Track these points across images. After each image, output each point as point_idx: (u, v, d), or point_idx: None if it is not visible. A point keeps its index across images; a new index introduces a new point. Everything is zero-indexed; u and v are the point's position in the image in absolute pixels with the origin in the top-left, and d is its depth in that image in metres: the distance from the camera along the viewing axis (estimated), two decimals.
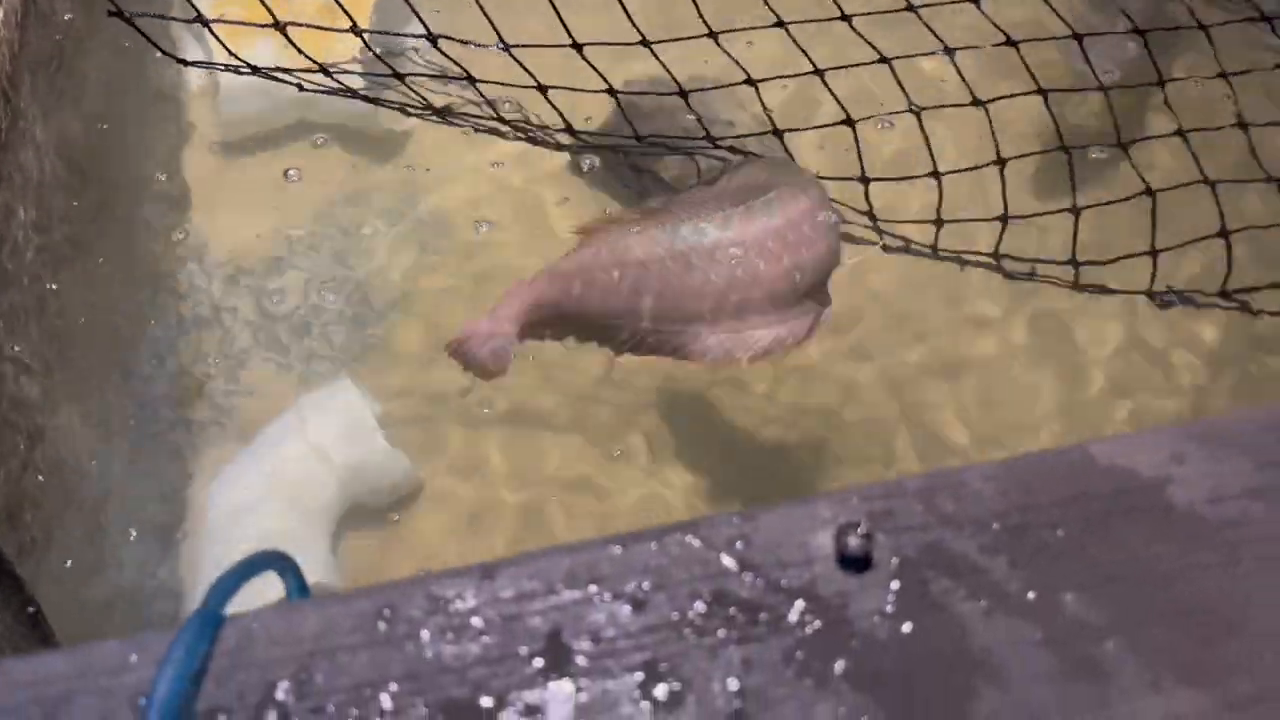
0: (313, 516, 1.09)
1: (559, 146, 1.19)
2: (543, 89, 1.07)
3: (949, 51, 1.10)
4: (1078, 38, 1.07)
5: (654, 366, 1.17)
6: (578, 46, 1.03)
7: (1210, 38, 1.07)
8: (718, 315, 0.87)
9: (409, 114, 1.16)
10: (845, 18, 1.07)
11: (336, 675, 0.41)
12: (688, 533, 0.45)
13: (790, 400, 1.18)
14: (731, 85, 1.09)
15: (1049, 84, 1.08)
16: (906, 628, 0.42)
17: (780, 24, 1.06)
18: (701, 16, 1.06)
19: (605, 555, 0.44)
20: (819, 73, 1.07)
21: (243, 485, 1.09)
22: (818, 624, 0.42)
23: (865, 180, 1.10)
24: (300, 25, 1.02)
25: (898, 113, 1.11)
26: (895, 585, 0.43)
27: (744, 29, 1.08)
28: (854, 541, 0.44)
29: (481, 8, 1.03)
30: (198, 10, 1.04)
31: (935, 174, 1.08)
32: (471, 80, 1.09)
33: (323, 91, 1.11)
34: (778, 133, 1.10)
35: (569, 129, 1.15)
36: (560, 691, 0.40)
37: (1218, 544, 0.45)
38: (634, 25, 1.03)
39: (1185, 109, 1.14)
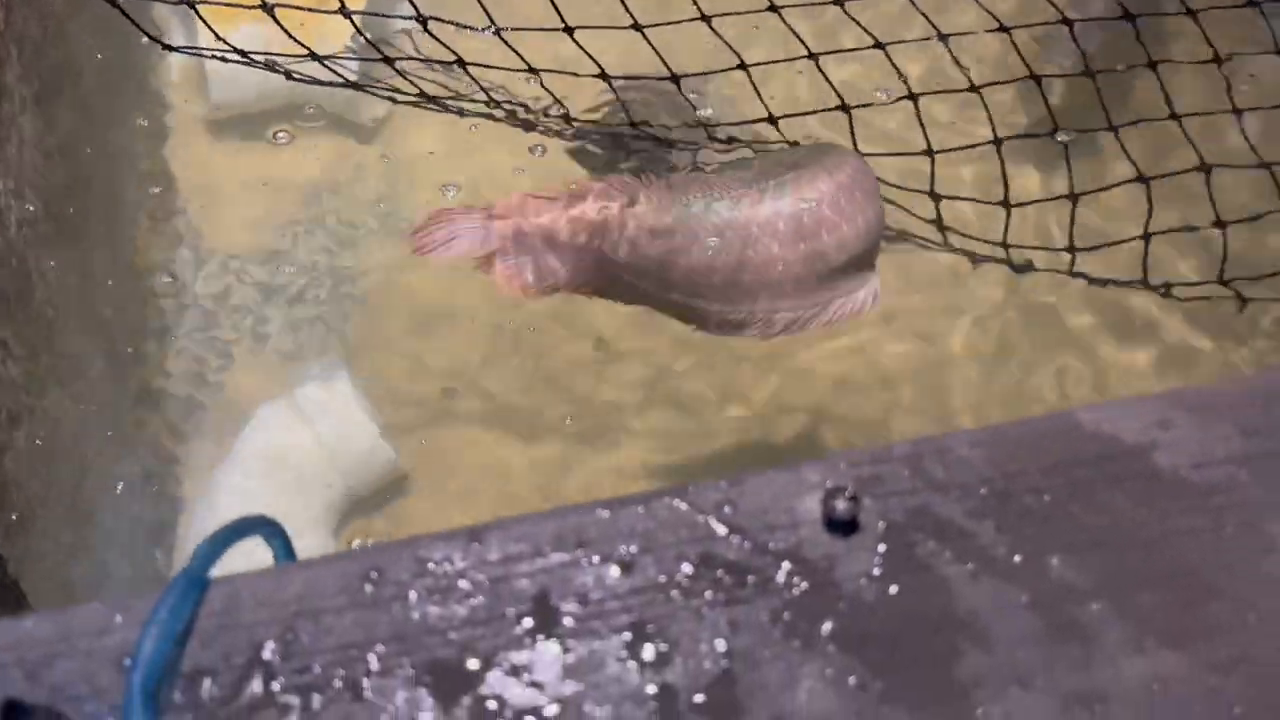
0: (305, 505, 1.09)
1: (555, 133, 1.19)
2: (534, 71, 1.07)
3: (943, 38, 1.10)
4: (1067, 23, 1.08)
5: (646, 358, 1.18)
6: (569, 30, 1.03)
7: (1197, 19, 1.08)
8: (777, 289, 0.85)
9: (397, 101, 1.15)
10: (838, 2, 1.07)
11: (322, 636, 0.40)
12: (675, 497, 0.45)
13: (781, 398, 1.18)
14: (725, 70, 1.09)
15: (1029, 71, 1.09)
16: (893, 590, 0.42)
17: (773, 8, 1.07)
18: (696, 2, 1.06)
19: (592, 519, 0.44)
20: (813, 56, 1.08)
21: (232, 472, 1.09)
22: (804, 586, 0.42)
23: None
24: (288, 6, 1.02)
25: (894, 101, 1.11)
26: (882, 548, 0.43)
27: (739, 13, 1.08)
28: (841, 505, 0.44)
29: None
30: None
31: (929, 152, 1.08)
32: (462, 64, 1.09)
33: (310, 81, 1.11)
34: (773, 120, 1.10)
35: (566, 117, 1.14)
36: (547, 652, 0.40)
37: (1203, 509, 0.45)
38: (626, 7, 1.03)
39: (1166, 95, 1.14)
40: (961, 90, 1.10)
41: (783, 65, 1.10)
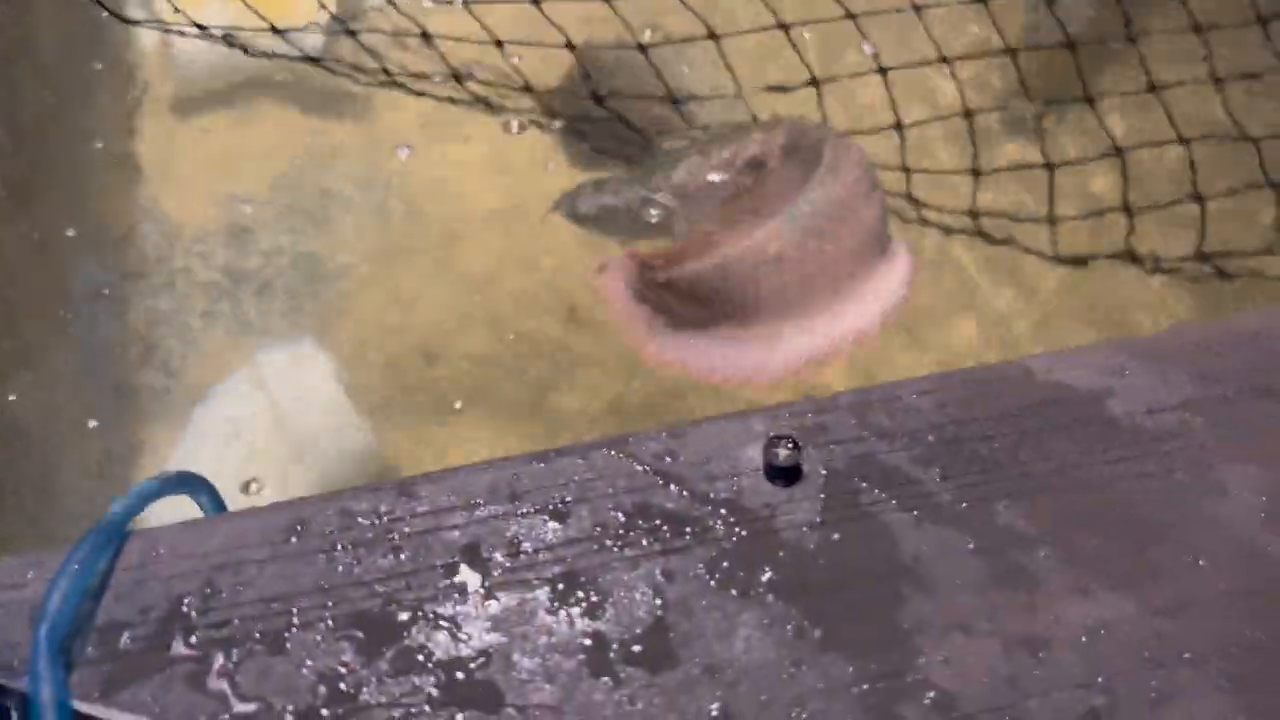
0: (263, 473, 1.07)
1: (526, 115, 1.17)
2: (499, 44, 1.05)
3: (917, 9, 1.09)
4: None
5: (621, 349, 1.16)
6: (535, 1, 1.02)
7: None
8: (842, 287, 0.86)
9: (359, 81, 1.14)
10: None
11: (243, 589, 0.39)
12: (613, 447, 0.43)
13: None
14: (694, 40, 1.08)
15: (1009, 35, 1.07)
16: (835, 537, 0.41)
17: None
18: None
19: (527, 470, 0.43)
20: (784, 28, 1.06)
21: (192, 449, 1.07)
22: (743, 534, 0.41)
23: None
24: None
25: (863, 74, 1.10)
26: (824, 496, 0.42)
27: None
28: (782, 453, 0.43)
29: None
30: None
31: (898, 126, 1.07)
32: (427, 37, 1.07)
33: (274, 56, 1.09)
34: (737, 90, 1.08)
35: (527, 87, 1.13)
36: (475, 604, 0.39)
37: (1154, 455, 0.44)
38: None
39: (1154, 66, 1.13)
40: (932, 62, 1.09)
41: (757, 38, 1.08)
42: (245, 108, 1.27)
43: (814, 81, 1.07)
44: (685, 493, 0.42)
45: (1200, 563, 0.41)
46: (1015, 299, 1.18)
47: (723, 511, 0.42)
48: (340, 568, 0.40)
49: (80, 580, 0.38)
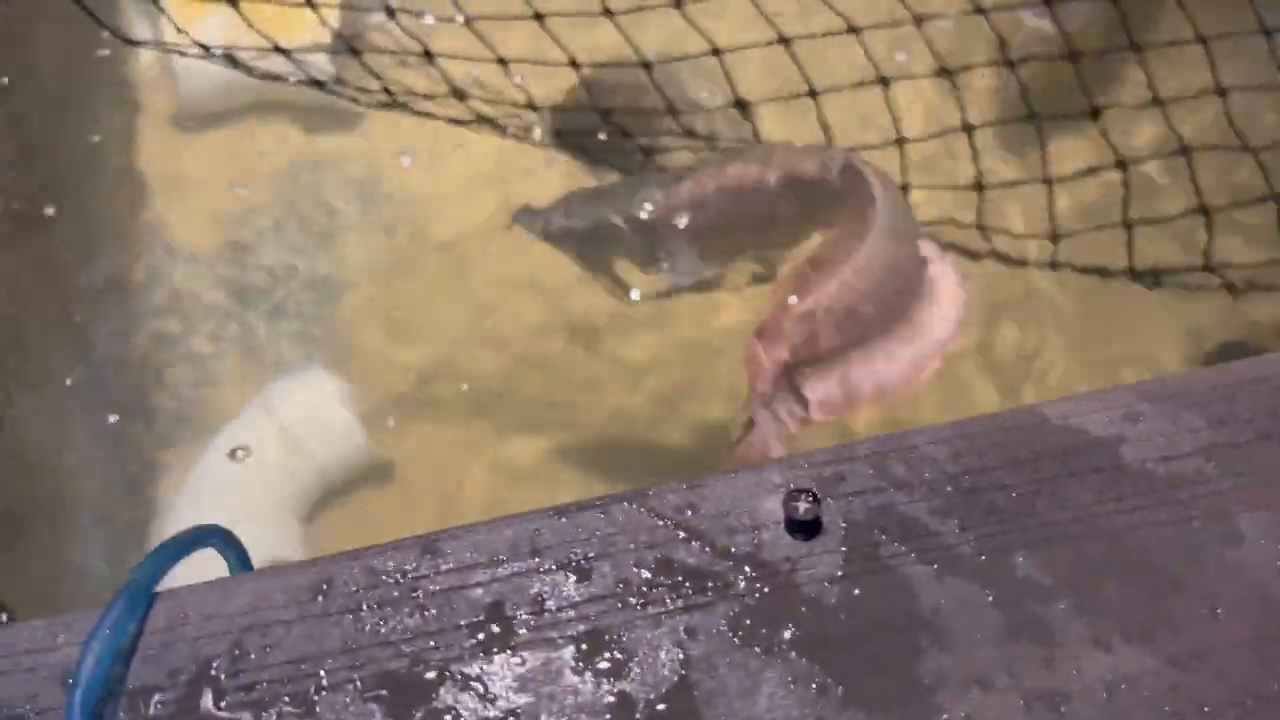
0: (283, 503, 1.08)
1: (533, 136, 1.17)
2: (503, 62, 1.06)
3: (918, 21, 1.09)
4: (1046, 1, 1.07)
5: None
6: (538, 16, 1.02)
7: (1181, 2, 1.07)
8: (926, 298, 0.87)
9: (359, 103, 1.14)
10: None
11: (271, 650, 0.39)
12: (633, 501, 0.44)
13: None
14: (696, 56, 1.08)
15: (1010, 44, 1.08)
16: (855, 592, 0.42)
17: None
18: None
19: (549, 525, 0.43)
20: (785, 41, 1.06)
21: (207, 472, 1.08)
22: (765, 590, 0.42)
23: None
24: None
25: (865, 84, 1.10)
26: (844, 549, 0.43)
27: None
28: (803, 506, 0.43)
29: None
30: None
31: (899, 140, 1.07)
32: (429, 55, 1.07)
33: (274, 79, 1.09)
34: (740, 104, 1.09)
35: (531, 105, 1.13)
36: (502, 663, 0.40)
37: (1170, 502, 0.44)
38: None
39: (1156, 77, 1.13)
40: (930, 75, 1.09)
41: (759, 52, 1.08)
42: (249, 122, 1.27)
43: (812, 93, 1.07)
44: (706, 548, 0.43)
45: (1218, 612, 0.41)
46: (1021, 318, 1.18)
47: (745, 567, 0.42)
48: (367, 627, 0.40)
49: (113, 643, 0.38)
